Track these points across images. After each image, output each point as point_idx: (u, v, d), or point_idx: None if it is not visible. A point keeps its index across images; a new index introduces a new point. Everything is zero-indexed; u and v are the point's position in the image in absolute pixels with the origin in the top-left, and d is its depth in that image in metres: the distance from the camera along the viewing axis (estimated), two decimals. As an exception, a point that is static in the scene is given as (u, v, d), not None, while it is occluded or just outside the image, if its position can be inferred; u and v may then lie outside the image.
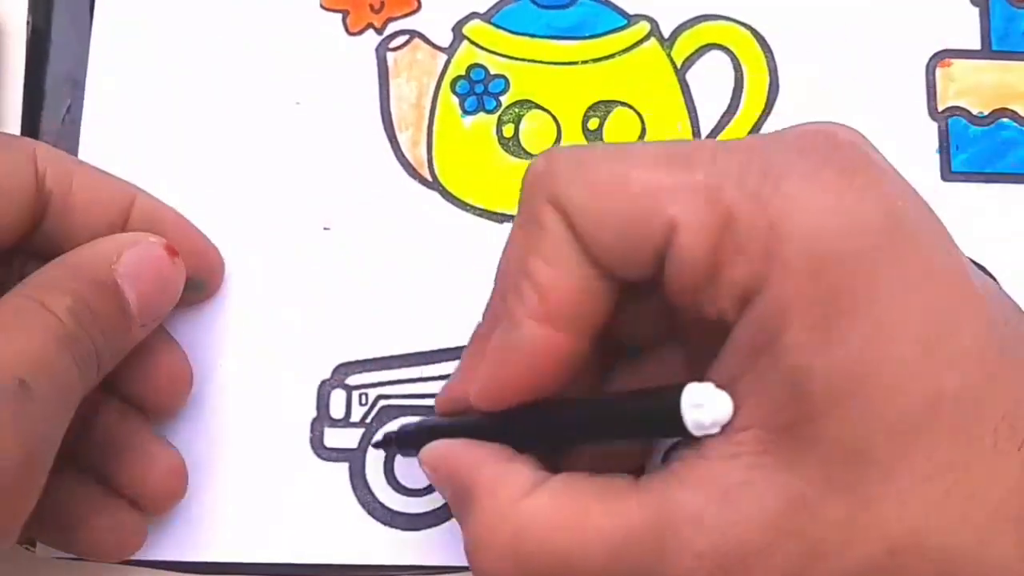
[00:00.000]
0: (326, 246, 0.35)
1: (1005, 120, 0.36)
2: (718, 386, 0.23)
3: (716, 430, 0.23)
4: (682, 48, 0.37)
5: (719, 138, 0.36)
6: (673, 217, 0.23)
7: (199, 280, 0.33)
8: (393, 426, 0.33)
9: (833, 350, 0.21)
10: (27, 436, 0.25)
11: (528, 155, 0.36)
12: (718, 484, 0.23)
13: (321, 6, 0.37)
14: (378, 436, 0.33)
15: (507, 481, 0.26)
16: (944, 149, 0.36)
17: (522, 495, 0.25)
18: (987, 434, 0.22)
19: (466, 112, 0.36)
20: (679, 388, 0.23)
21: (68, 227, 0.30)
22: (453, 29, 0.37)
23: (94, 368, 0.28)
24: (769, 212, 0.22)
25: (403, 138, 0.36)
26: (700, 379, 0.23)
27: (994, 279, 0.34)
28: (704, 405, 0.23)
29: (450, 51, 0.36)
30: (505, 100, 0.36)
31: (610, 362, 0.29)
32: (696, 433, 0.23)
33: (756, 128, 0.36)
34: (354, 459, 0.33)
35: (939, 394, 0.21)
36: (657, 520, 0.23)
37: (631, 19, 0.37)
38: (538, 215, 0.25)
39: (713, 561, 0.22)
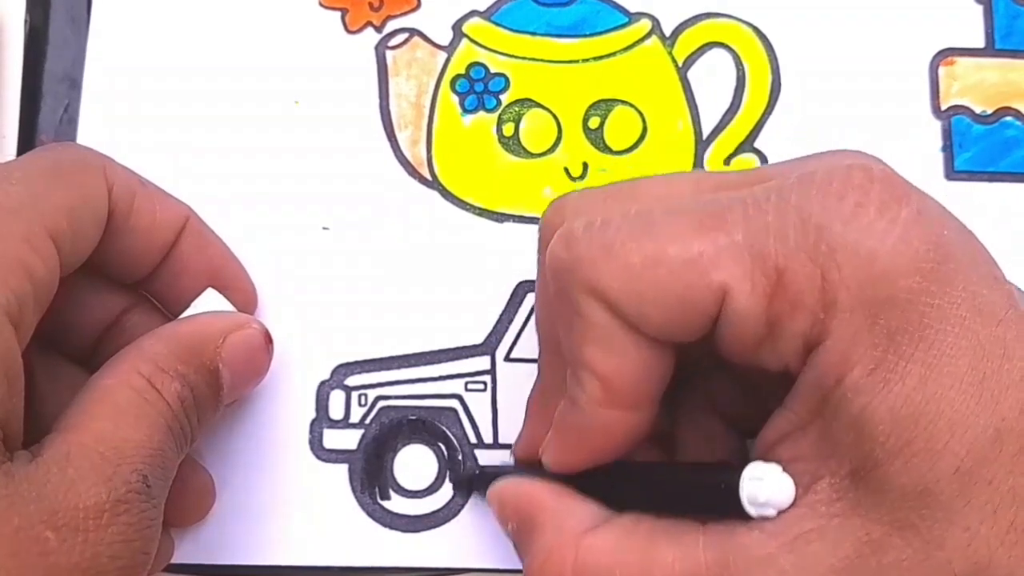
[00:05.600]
0: (326, 246, 0.34)
1: (1008, 119, 0.36)
2: (784, 468, 0.23)
3: (771, 512, 0.23)
4: (684, 46, 0.36)
5: (720, 138, 0.36)
6: (722, 283, 0.23)
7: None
8: (473, 471, 0.33)
9: (893, 391, 0.21)
10: (148, 528, 0.25)
11: (528, 154, 0.35)
12: (790, 530, 0.23)
13: (320, 4, 0.36)
14: (457, 478, 0.33)
15: (573, 514, 0.26)
16: (947, 148, 0.36)
17: (587, 529, 0.25)
18: None
19: (466, 111, 0.36)
20: (739, 467, 0.23)
21: (123, 246, 0.30)
22: (453, 27, 0.36)
23: (185, 449, 0.28)
24: (819, 263, 0.22)
25: (402, 137, 0.36)
26: (752, 451, 0.24)
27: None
28: (764, 479, 0.23)
29: (450, 49, 0.36)
30: (505, 99, 0.36)
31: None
32: (752, 511, 0.23)
33: (758, 128, 0.36)
34: (353, 460, 0.33)
35: (999, 425, 0.21)
36: (724, 560, 0.23)
37: (632, 17, 0.36)
38: (580, 308, 0.24)
39: None
